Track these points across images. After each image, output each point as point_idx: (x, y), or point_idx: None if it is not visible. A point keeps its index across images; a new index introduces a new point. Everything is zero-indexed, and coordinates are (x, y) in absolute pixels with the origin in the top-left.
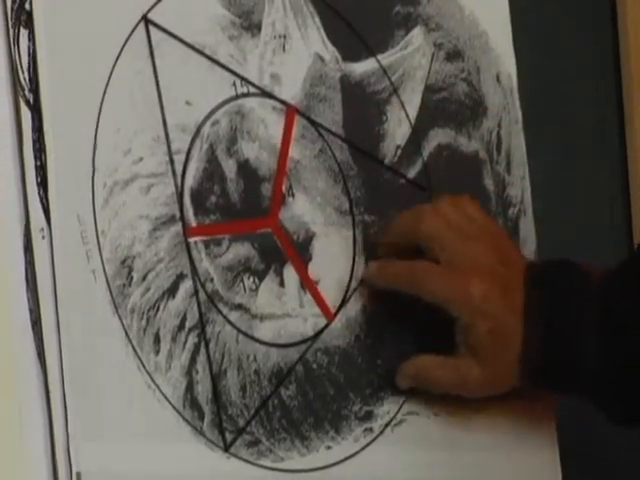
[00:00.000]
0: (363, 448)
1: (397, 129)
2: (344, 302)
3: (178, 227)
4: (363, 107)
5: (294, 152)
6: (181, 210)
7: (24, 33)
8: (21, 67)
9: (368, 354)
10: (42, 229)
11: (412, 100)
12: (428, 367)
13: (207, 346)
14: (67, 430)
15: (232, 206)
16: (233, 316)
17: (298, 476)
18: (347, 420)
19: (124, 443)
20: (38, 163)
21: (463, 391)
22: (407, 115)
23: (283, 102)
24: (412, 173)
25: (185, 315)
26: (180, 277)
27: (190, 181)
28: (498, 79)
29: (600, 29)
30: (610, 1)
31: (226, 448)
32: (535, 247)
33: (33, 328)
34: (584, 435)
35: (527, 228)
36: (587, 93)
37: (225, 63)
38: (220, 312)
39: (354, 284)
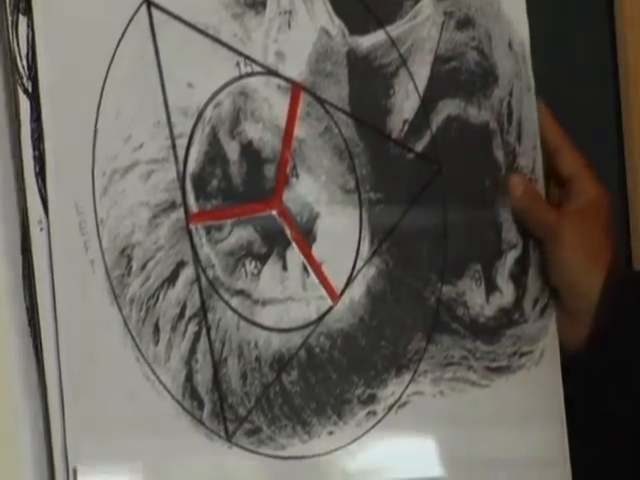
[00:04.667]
0: (366, 432)
1: (405, 102)
2: (349, 282)
3: (179, 213)
4: (370, 82)
5: (299, 131)
6: (183, 196)
7: (23, 20)
8: (19, 55)
9: (372, 336)
10: (40, 221)
11: (421, 72)
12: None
13: (208, 334)
14: (64, 424)
15: (235, 190)
16: (234, 302)
17: (299, 463)
18: (350, 404)
19: (122, 437)
20: (36, 153)
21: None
22: (416, 87)
23: (288, 80)
24: (420, 147)
25: (185, 303)
26: (180, 265)
27: (192, 166)
28: (510, 46)
29: (597, 30)
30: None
31: (227, 438)
32: None
33: (30, 321)
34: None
35: None
36: (584, 94)
37: (229, 42)
38: (221, 298)
39: (359, 264)
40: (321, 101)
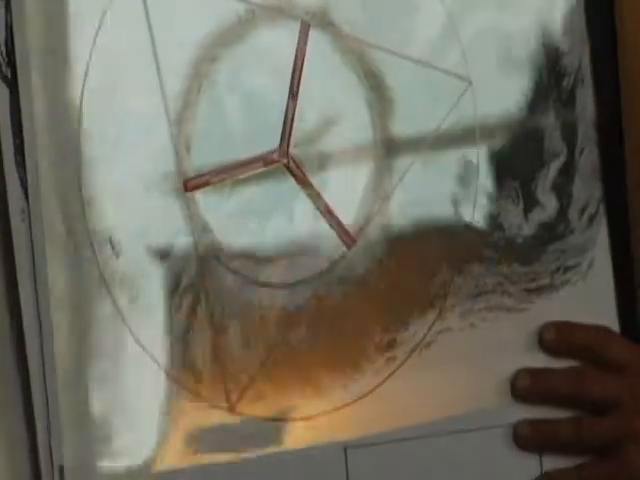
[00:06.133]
0: (385, 380)
1: (430, 21)
2: (366, 223)
3: (174, 181)
4: (390, 3)
5: (309, 71)
6: (178, 162)
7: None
8: None
9: (390, 277)
10: (23, 211)
11: None
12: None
13: (207, 302)
14: (48, 421)
15: (236, 146)
16: (236, 264)
17: (308, 424)
18: (365, 353)
19: (115, 428)
20: (17, 141)
21: None
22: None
23: (295, 18)
24: (448, 64)
25: (180, 275)
26: (175, 235)
27: (188, 128)
28: None
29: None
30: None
31: (230, 408)
32: (594, 117)
33: (12, 318)
34: None
35: (585, 97)
36: None
37: None
38: (221, 263)
39: (377, 203)
40: (334, 34)
